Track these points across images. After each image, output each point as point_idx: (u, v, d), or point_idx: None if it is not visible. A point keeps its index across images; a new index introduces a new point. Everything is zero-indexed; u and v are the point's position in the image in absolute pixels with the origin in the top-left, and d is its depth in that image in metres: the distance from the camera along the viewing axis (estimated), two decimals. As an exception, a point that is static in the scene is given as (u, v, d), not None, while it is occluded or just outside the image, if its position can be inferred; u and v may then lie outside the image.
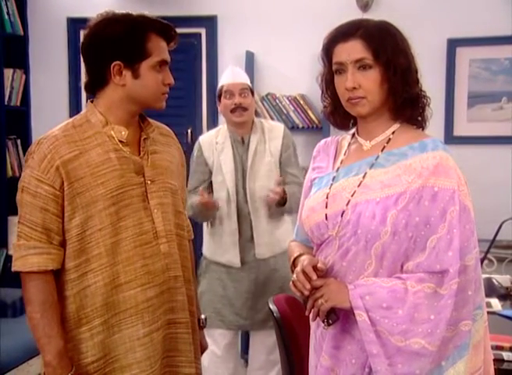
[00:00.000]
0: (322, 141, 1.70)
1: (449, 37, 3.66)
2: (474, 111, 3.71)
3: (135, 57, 1.61)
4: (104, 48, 1.61)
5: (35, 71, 4.14)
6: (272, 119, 3.79)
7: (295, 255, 1.61)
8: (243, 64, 3.74)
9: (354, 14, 3.84)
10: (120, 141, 1.66)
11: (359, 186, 1.50)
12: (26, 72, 4.12)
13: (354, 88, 1.47)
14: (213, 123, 3.90)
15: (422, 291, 1.39)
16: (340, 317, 1.46)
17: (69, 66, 4.14)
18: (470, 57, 3.66)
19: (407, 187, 1.44)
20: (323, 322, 1.46)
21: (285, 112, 3.84)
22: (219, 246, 2.89)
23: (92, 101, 1.70)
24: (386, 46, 1.47)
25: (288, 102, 3.83)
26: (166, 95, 1.70)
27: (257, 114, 3.76)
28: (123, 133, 1.66)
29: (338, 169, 1.57)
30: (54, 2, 4.16)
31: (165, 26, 1.66)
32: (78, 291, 1.62)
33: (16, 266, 1.60)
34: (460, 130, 3.68)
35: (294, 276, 1.47)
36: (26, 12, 4.09)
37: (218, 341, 2.91)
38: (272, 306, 2.25)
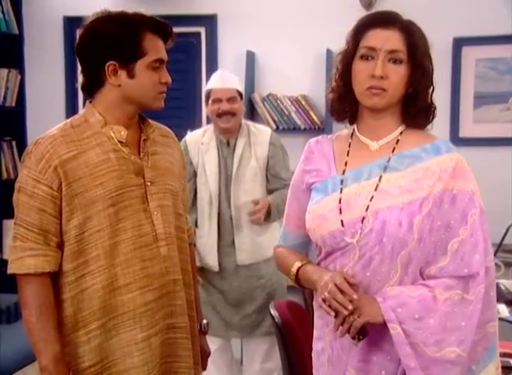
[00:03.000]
0: (313, 141, 1.61)
1: (454, 36, 3.61)
2: (480, 112, 3.65)
3: (129, 56, 1.59)
4: (98, 48, 1.59)
5: (31, 71, 4.11)
6: (272, 120, 3.76)
7: (297, 264, 1.54)
8: (243, 64, 3.71)
9: (357, 13, 3.75)
10: (120, 142, 1.64)
11: (376, 190, 1.44)
12: (22, 72, 4.09)
13: (382, 77, 1.41)
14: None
15: (450, 298, 1.37)
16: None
17: (66, 66, 4.11)
18: (476, 56, 3.62)
19: (429, 191, 1.40)
20: (353, 338, 1.38)
21: (286, 113, 3.79)
22: (201, 248, 2.89)
23: (91, 102, 1.68)
24: (420, 46, 1.44)
25: (289, 103, 3.79)
26: (164, 95, 1.67)
27: (257, 115, 3.72)
28: (122, 133, 1.64)
29: (344, 171, 1.50)
30: (50, 1, 4.13)
31: (160, 24, 1.63)
32: (75, 293, 1.60)
33: (11, 269, 1.58)
34: (465, 131, 3.63)
35: (326, 294, 1.37)
36: (22, 11, 4.06)
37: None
38: (274, 312, 2.22)
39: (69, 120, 1.67)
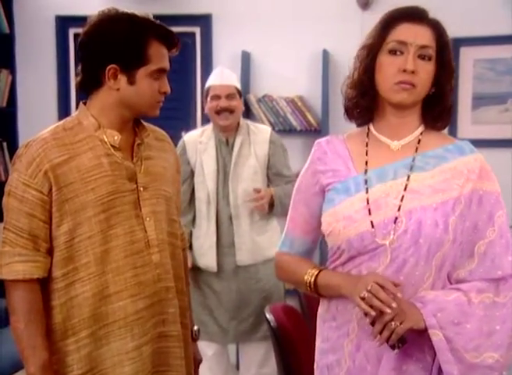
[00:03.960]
0: (323, 141, 1.56)
1: (452, 37, 3.52)
2: (478, 113, 3.63)
3: (133, 63, 1.57)
4: (101, 49, 1.57)
5: (22, 71, 4.07)
6: (268, 121, 3.74)
7: (313, 270, 1.48)
8: (239, 64, 3.68)
9: (354, 13, 3.78)
10: (112, 146, 1.61)
11: (405, 190, 1.41)
12: (13, 72, 4.06)
13: (413, 72, 1.39)
14: (208, 124, 3.81)
15: (483, 302, 1.36)
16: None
17: (58, 66, 4.07)
18: (474, 57, 3.60)
19: (460, 191, 1.39)
20: (393, 346, 1.33)
21: (282, 114, 3.77)
22: (197, 249, 2.87)
23: (85, 103, 1.65)
24: (449, 45, 1.44)
25: (285, 104, 3.76)
26: (161, 103, 1.66)
27: (253, 116, 3.69)
28: (116, 138, 1.61)
29: (366, 171, 1.46)
30: (42, 0, 4.07)
31: (168, 33, 1.61)
32: (65, 300, 1.58)
33: (0, 274, 1.56)
34: (464, 132, 3.58)
35: (365, 293, 1.32)
36: (13, 10, 4.03)
37: (204, 352, 2.88)
38: (269, 316, 2.20)
39: (61, 122, 1.64)
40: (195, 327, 1.88)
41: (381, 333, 1.32)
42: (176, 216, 1.75)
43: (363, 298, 1.32)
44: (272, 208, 2.82)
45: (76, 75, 1.66)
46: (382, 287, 1.31)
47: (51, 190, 1.54)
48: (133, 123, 1.69)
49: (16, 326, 1.55)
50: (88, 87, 1.63)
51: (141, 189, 1.63)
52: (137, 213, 1.62)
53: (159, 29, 1.59)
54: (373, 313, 1.31)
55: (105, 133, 1.60)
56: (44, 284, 1.58)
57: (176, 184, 1.78)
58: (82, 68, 1.63)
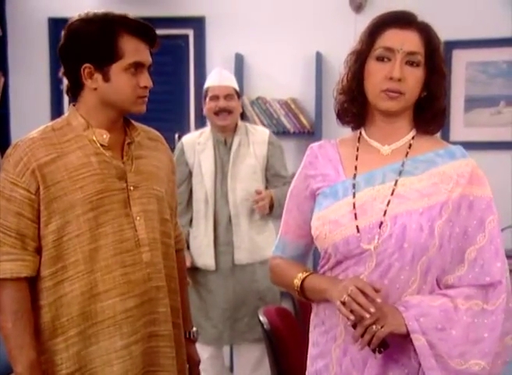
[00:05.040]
0: (315, 145, 1.55)
1: (445, 40, 3.50)
2: (471, 115, 3.64)
3: (104, 59, 1.56)
4: (75, 50, 1.58)
5: (15, 73, 4.04)
6: (262, 123, 3.74)
7: (301, 274, 1.47)
8: (232, 67, 3.67)
9: (347, 16, 3.79)
10: (102, 145, 1.61)
11: (392, 195, 1.39)
12: (6, 74, 4.02)
13: (399, 80, 1.37)
14: (201, 127, 3.81)
15: (471, 308, 1.34)
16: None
17: (51, 68, 4.05)
18: (467, 60, 3.61)
19: (448, 196, 1.37)
20: (374, 350, 1.31)
21: (275, 116, 3.77)
22: (196, 249, 2.88)
23: (74, 105, 1.66)
24: (438, 49, 1.40)
25: (279, 106, 3.76)
26: (145, 99, 1.63)
27: (246, 118, 3.69)
28: (105, 136, 1.61)
29: (355, 176, 1.45)
30: (34, 2, 4.06)
31: (141, 26, 1.59)
32: (54, 299, 1.57)
33: None
34: (456, 135, 3.59)
35: (346, 297, 1.30)
36: (5, 12, 4.00)
37: (200, 355, 2.86)
38: (263, 318, 2.20)
39: (50, 123, 1.65)
40: (193, 329, 1.87)
41: (362, 336, 1.31)
42: (168, 216, 1.73)
43: (343, 303, 1.31)
44: (272, 209, 2.82)
45: (58, 80, 1.67)
46: (361, 291, 1.30)
47: (38, 189, 1.54)
48: (123, 123, 1.68)
49: (3, 325, 1.55)
50: (73, 90, 1.64)
51: (131, 188, 1.62)
52: (127, 212, 1.61)
53: (130, 22, 1.58)
54: (352, 318, 1.30)
55: (94, 133, 1.60)
56: (32, 283, 1.58)
57: (170, 184, 1.77)
58: (63, 72, 1.64)
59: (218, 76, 2.91)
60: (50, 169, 1.55)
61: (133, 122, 1.71)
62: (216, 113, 2.83)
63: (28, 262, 1.55)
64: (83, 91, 1.61)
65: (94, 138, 1.60)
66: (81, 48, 1.56)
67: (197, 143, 2.91)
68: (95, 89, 1.58)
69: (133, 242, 1.61)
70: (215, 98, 2.84)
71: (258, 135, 2.92)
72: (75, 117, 1.62)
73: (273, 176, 2.91)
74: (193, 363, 1.86)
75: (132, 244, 1.61)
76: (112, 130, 1.63)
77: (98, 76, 1.57)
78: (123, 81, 1.57)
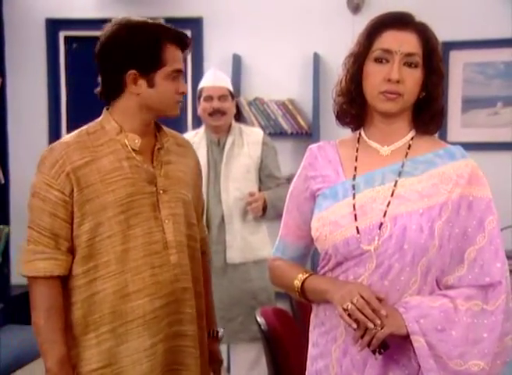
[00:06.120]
0: (315, 146, 1.55)
1: (442, 41, 3.53)
2: (468, 116, 3.65)
3: (150, 66, 1.64)
4: (119, 57, 1.64)
5: (12, 75, 3.99)
6: (259, 124, 3.74)
7: (301, 275, 1.47)
8: (229, 67, 3.68)
9: (345, 16, 3.79)
10: (133, 150, 1.67)
11: (392, 196, 1.39)
12: (3, 75, 3.96)
13: (398, 82, 1.37)
14: (198, 127, 3.79)
15: (470, 309, 1.34)
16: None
17: (48, 69, 4.05)
18: (464, 61, 3.62)
19: (448, 196, 1.37)
20: (374, 352, 1.32)
21: (273, 117, 3.77)
22: None
23: (108, 109, 1.72)
24: (436, 49, 1.40)
25: (276, 107, 3.77)
26: (180, 103, 1.73)
27: (244, 119, 3.69)
28: (136, 141, 1.67)
29: (354, 177, 1.45)
30: (32, 2, 4.06)
31: (180, 35, 1.69)
32: (86, 296, 1.63)
33: (23, 271, 1.63)
34: (454, 136, 3.59)
35: (350, 305, 1.30)
36: (2, 12, 3.94)
37: None
38: (260, 319, 2.19)
39: (85, 127, 1.71)
40: (219, 329, 1.92)
41: (362, 337, 1.31)
42: (194, 220, 1.78)
43: (345, 309, 1.31)
44: (265, 211, 2.83)
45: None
46: (366, 302, 1.30)
47: (72, 191, 1.60)
48: (154, 128, 1.74)
49: (36, 321, 1.61)
50: (109, 96, 1.69)
51: (161, 192, 1.67)
52: (156, 215, 1.66)
53: (171, 32, 1.67)
54: (354, 326, 1.30)
55: (127, 137, 1.66)
56: (65, 282, 1.64)
57: (196, 189, 1.83)
58: (101, 77, 1.69)
59: (213, 77, 2.93)
60: (84, 172, 1.61)
61: (163, 127, 1.77)
62: (210, 114, 2.85)
63: (61, 261, 1.61)
64: (122, 96, 1.67)
65: (127, 142, 1.66)
66: (126, 54, 1.62)
67: (192, 142, 2.93)
68: (138, 94, 1.65)
69: (161, 244, 1.66)
70: (209, 98, 2.86)
71: (252, 136, 2.93)
72: (108, 121, 1.68)
73: (267, 176, 2.92)
74: (216, 362, 1.90)
75: (160, 247, 1.66)
76: (143, 134, 1.69)
77: (143, 82, 1.64)
78: (166, 87, 1.65)
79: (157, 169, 1.69)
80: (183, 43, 1.69)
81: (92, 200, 1.61)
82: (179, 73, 1.68)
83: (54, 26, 3.96)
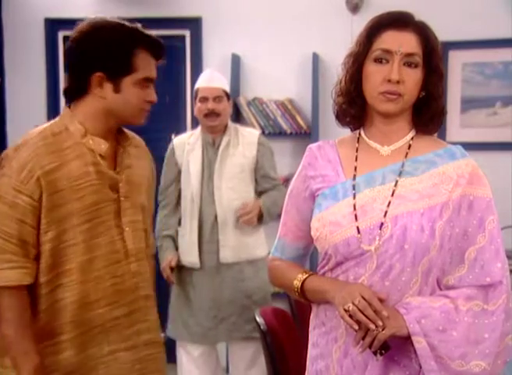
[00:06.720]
0: (314, 146, 1.55)
1: (441, 40, 3.53)
2: (467, 116, 3.64)
3: (118, 71, 1.58)
4: (88, 56, 1.57)
5: (11, 75, 4.03)
6: (258, 124, 3.73)
7: (301, 275, 1.47)
8: (229, 67, 3.67)
9: (344, 16, 3.78)
10: (99, 155, 1.62)
11: (393, 196, 1.39)
12: (2, 75, 4.02)
13: (398, 82, 1.37)
14: (197, 128, 3.80)
15: (471, 309, 1.34)
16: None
17: (47, 69, 4.03)
18: (463, 61, 3.61)
19: (448, 196, 1.37)
20: (375, 353, 1.31)
21: (272, 117, 3.76)
22: (182, 247, 2.90)
23: (69, 107, 1.65)
24: (436, 49, 1.40)
25: (275, 107, 3.75)
26: (147, 113, 1.67)
27: (243, 119, 3.69)
28: (103, 146, 1.62)
29: (354, 177, 1.45)
30: (31, 2, 4.04)
31: (156, 43, 1.63)
32: (49, 305, 1.59)
33: None
34: (452, 135, 3.58)
35: (351, 306, 1.30)
36: (1, 12, 3.99)
37: (191, 352, 2.94)
38: (259, 319, 2.19)
39: (47, 126, 1.63)
40: (162, 334, 1.90)
41: (363, 338, 1.31)
42: (148, 227, 1.77)
43: (347, 310, 1.31)
44: (261, 219, 2.83)
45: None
46: (368, 302, 1.29)
47: (41, 196, 1.54)
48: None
49: (6, 333, 1.55)
50: (74, 95, 1.63)
51: (122, 198, 1.63)
52: (117, 223, 1.63)
53: (147, 39, 1.60)
54: (356, 327, 1.30)
55: (92, 140, 1.60)
56: (30, 290, 1.59)
57: (150, 191, 1.79)
58: (69, 74, 1.63)
59: (208, 78, 2.92)
60: (54, 177, 1.55)
61: (124, 129, 1.72)
62: (205, 115, 2.85)
63: (28, 269, 1.56)
64: (87, 97, 1.60)
65: (92, 147, 1.60)
66: (96, 55, 1.56)
67: (187, 143, 2.94)
68: (103, 98, 1.58)
69: (122, 253, 1.64)
70: (204, 99, 2.86)
71: (248, 136, 2.93)
72: (71, 122, 1.61)
73: (262, 177, 2.91)
74: None
75: (122, 255, 1.63)
76: (107, 138, 1.64)
77: (109, 86, 1.58)
78: (132, 94, 1.59)
79: (120, 174, 1.65)
80: (157, 52, 1.63)
81: (59, 206, 1.56)
82: (150, 82, 1.62)
83: (53, 25, 3.94)
